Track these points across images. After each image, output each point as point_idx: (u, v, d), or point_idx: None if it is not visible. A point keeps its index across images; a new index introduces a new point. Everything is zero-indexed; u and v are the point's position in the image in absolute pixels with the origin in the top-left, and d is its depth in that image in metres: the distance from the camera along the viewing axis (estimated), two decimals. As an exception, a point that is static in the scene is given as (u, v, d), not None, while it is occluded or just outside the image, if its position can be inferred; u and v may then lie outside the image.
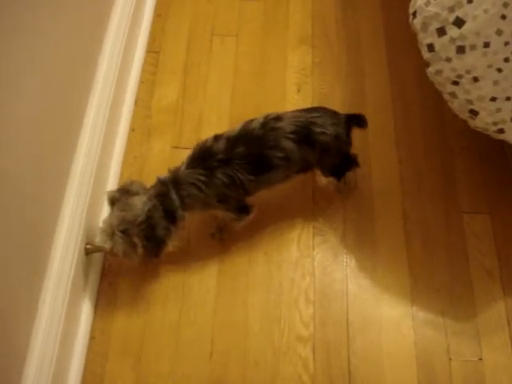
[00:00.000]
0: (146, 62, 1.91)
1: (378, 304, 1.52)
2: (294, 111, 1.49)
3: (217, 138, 1.44)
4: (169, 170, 1.44)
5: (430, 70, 1.40)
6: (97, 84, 1.60)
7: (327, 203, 1.65)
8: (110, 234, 1.38)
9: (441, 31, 1.34)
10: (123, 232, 1.36)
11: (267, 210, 1.63)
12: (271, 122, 1.43)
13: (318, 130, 1.44)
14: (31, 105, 1.22)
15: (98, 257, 1.54)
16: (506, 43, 1.30)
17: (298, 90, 1.85)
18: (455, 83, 1.39)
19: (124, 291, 1.53)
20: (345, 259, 1.58)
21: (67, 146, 1.45)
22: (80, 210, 1.45)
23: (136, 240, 1.37)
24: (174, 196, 1.40)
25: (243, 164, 1.40)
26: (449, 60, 1.36)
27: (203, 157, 1.42)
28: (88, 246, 1.47)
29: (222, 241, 1.59)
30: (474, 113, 1.42)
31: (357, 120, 1.51)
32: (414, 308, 1.51)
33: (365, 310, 1.51)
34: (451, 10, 1.31)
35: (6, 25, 1.09)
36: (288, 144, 1.42)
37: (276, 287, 1.54)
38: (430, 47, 1.37)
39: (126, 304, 1.51)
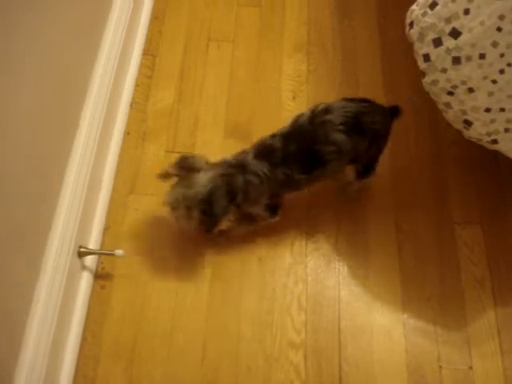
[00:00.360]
0: (142, 65, 1.91)
1: (369, 311, 1.53)
2: (341, 101, 1.49)
3: (273, 136, 1.47)
4: (234, 154, 1.47)
5: (426, 80, 1.42)
6: (93, 86, 1.60)
7: (321, 211, 1.65)
8: (175, 208, 1.44)
9: (437, 42, 1.35)
10: (187, 207, 1.41)
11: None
12: (320, 115, 1.44)
13: (368, 119, 1.46)
14: (26, 107, 1.22)
15: (91, 260, 1.53)
16: (502, 55, 1.31)
17: (294, 98, 1.86)
18: (450, 93, 1.40)
19: (117, 294, 1.53)
20: (337, 266, 1.58)
21: (62, 147, 1.45)
22: (74, 212, 1.44)
23: (195, 213, 1.40)
24: (240, 179, 1.42)
25: (296, 163, 1.43)
26: (444, 70, 1.37)
27: (267, 152, 1.44)
28: (81, 249, 1.47)
29: (215, 244, 1.60)
30: (468, 123, 1.44)
31: (395, 111, 1.54)
32: (406, 316, 1.52)
33: (356, 317, 1.52)
34: (448, 21, 1.33)
35: (2, 27, 1.09)
36: (339, 136, 1.42)
37: (269, 293, 1.54)
38: (426, 57, 1.38)
39: (119, 307, 1.51)
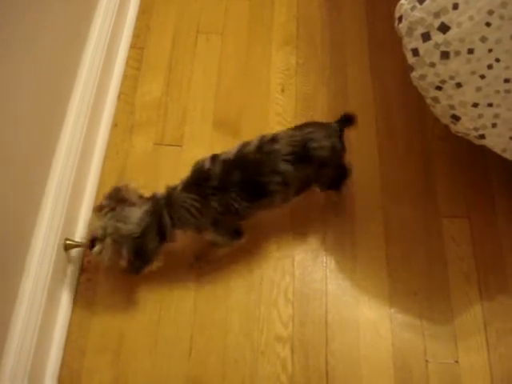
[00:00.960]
0: (130, 58, 1.90)
1: (356, 305, 1.53)
2: (288, 130, 1.47)
3: (214, 159, 1.42)
4: (166, 188, 1.42)
5: (414, 74, 1.41)
6: (79, 78, 1.59)
7: (308, 204, 1.65)
8: (101, 239, 1.37)
9: (426, 36, 1.35)
10: (116, 241, 1.35)
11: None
12: (267, 145, 1.41)
13: (314, 145, 1.42)
14: (12, 99, 1.21)
15: (77, 252, 1.52)
16: (490, 50, 1.31)
17: (282, 91, 1.85)
18: (438, 88, 1.40)
19: (103, 287, 1.52)
20: (324, 260, 1.59)
21: (49, 138, 1.44)
22: (60, 204, 1.44)
23: (124, 252, 1.36)
24: (166, 216, 1.39)
25: (238, 191, 1.38)
26: (433, 65, 1.37)
27: (199, 181, 1.40)
28: (67, 242, 1.46)
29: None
30: (455, 118, 1.44)
31: (346, 121, 1.50)
32: (393, 310, 1.52)
33: (343, 311, 1.52)
34: (436, 15, 1.33)
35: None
36: (285, 167, 1.39)
37: (256, 287, 1.54)
38: (415, 52, 1.38)
39: (105, 300, 1.50)
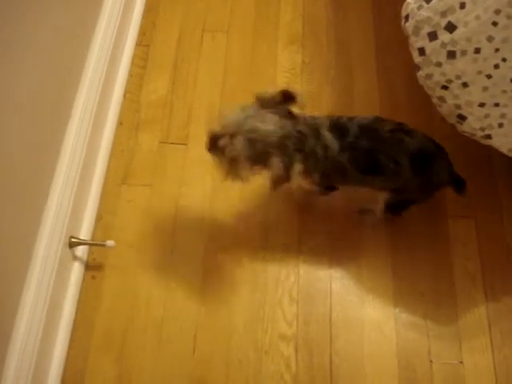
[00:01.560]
0: (135, 56, 1.90)
1: (361, 305, 1.53)
2: (424, 135, 1.45)
3: (350, 119, 1.42)
4: (313, 117, 1.41)
5: (421, 73, 1.41)
6: (85, 76, 1.59)
7: (314, 204, 1.65)
8: (231, 132, 1.32)
9: (432, 35, 1.35)
10: (250, 142, 1.31)
11: (253, 206, 1.63)
12: (401, 133, 1.41)
13: (436, 168, 1.43)
14: (18, 97, 1.21)
15: (82, 250, 1.53)
16: (497, 50, 1.31)
17: (288, 89, 1.85)
18: (445, 88, 1.40)
19: (107, 285, 1.52)
20: (329, 259, 1.58)
21: (55, 137, 1.44)
22: (65, 202, 1.44)
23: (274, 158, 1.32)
24: (312, 142, 1.36)
25: (359, 158, 1.39)
26: (439, 64, 1.37)
27: (340, 131, 1.39)
28: (73, 240, 1.46)
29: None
30: (461, 118, 1.43)
31: (461, 184, 1.50)
32: (397, 310, 1.52)
33: (348, 310, 1.52)
34: (443, 14, 1.32)
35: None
36: (405, 162, 1.39)
37: (260, 286, 1.54)
38: (421, 51, 1.38)
39: (110, 298, 1.51)
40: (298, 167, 1.34)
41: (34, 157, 1.32)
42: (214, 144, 1.35)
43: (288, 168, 1.33)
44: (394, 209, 1.56)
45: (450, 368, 1.46)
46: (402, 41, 1.45)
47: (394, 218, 1.59)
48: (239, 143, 1.31)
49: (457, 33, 1.32)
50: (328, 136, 1.38)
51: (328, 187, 1.57)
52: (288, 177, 1.34)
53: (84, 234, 1.55)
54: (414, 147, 1.40)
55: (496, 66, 1.33)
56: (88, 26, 1.64)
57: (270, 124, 1.32)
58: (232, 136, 1.32)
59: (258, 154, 1.32)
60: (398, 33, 1.46)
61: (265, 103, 1.36)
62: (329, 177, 1.45)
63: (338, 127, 1.40)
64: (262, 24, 2.00)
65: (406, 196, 1.51)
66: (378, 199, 1.53)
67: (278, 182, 1.35)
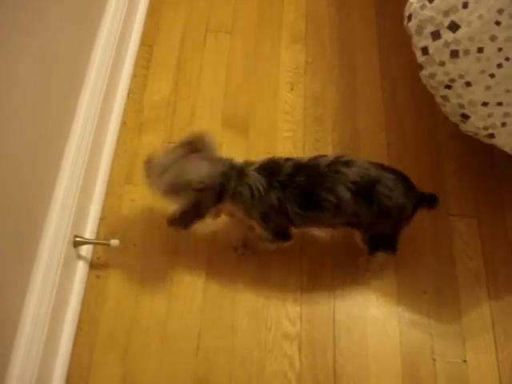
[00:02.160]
0: (139, 56, 1.90)
1: (364, 304, 1.53)
2: (368, 162, 1.42)
3: (288, 160, 1.41)
4: (245, 161, 1.42)
5: (424, 73, 1.41)
6: (89, 76, 1.59)
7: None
8: (160, 174, 1.36)
9: (435, 35, 1.35)
10: (174, 186, 1.35)
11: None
12: (339, 165, 1.38)
13: (383, 190, 1.38)
14: (23, 97, 1.22)
15: (86, 249, 1.53)
16: (500, 49, 1.31)
17: (291, 89, 1.86)
18: (448, 87, 1.40)
19: (112, 284, 1.53)
20: (333, 258, 1.58)
21: (59, 136, 1.44)
22: (70, 201, 1.44)
23: (182, 198, 1.36)
24: (231, 183, 1.37)
25: (296, 195, 1.37)
26: (442, 64, 1.37)
27: (271, 171, 1.39)
28: (77, 239, 1.47)
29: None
30: (465, 117, 1.44)
31: (429, 200, 1.46)
32: (400, 309, 1.52)
33: (351, 309, 1.52)
34: (446, 14, 1.33)
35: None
36: (344, 193, 1.36)
37: (264, 285, 1.54)
38: (425, 50, 1.38)
39: (114, 297, 1.51)
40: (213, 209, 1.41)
41: (38, 156, 1.32)
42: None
43: (200, 205, 1.37)
44: (378, 246, 1.49)
45: (453, 367, 1.46)
46: (405, 40, 1.46)
47: (393, 256, 1.52)
48: (166, 185, 1.37)
49: (460, 32, 1.32)
50: (253, 176, 1.38)
51: (280, 234, 1.47)
52: (199, 213, 1.39)
53: (88, 233, 1.55)
54: (352, 178, 1.36)
55: (499, 66, 1.34)
56: (91, 27, 1.64)
57: (194, 169, 1.36)
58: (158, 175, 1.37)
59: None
60: (401, 32, 1.46)
61: (191, 147, 1.39)
62: (270, 218, 1.41)
63: (269, 167, 1.40)
64: (265, 24, 2.01)
65: (375, 229, 1.44)
66: (358, 243, 1.50)
67: (185, 217, 1.39)
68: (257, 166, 1.40)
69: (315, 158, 1.41)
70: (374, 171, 1.39)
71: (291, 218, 1.40)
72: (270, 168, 1.40)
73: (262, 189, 1.37)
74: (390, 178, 1.39)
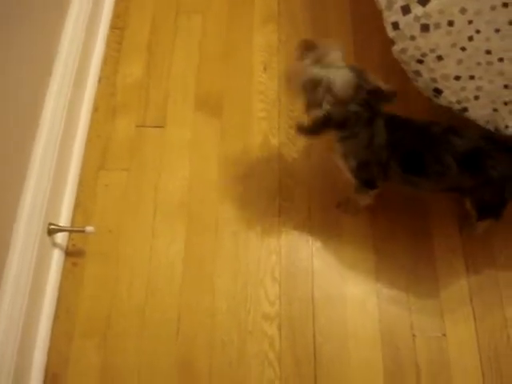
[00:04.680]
0: (110, 40, 1.88)
1: (343, 282, 1.53)
2: (478, 133, 1.41)
3: (407, 121, 1.41)
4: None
5: (395, 48, 1.41)
6: (59, 61, 1.57)
7: (293, 182, 1.65)
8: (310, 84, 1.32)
9: (405, 9, 1.34)
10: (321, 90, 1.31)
11: (232, 189, 1.63)
12: (450, 135, 1.38)
13: (490, 163, 1.37)
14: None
15: (61, 237, 1.52)
16: (470, 22, 1.31)
17: (265, 69, 1.84)
18: (420, 62, 1.40)
19: (89, 271, 1.52)
20: (310, 237, 1.58)
21: (29, 122, 1.42)
22: (42, 189, 1.43)
23: (325, 98, 1.31)
24: (360, 123, 1.35)
25: (402, 156, 1.39)
26: (413, 38, 1.36)
27: (394, 125, 1.38)
28: (51, 227, 1.45)
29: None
30: (438, 91, 1.43)
31: None
32: (379, 285, 1.52)
33: (330, 287, 1.52)
34: (416, -13, 1.32)
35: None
36: (451, 163, 1.36)
37: (242, 266, 1.54)
38: (395, 25, 1.37)
39: (91, 284, 1.50)
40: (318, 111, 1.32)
41: (9, 145, 1.30)
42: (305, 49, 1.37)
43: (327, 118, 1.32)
44: (487, 212, 1.50)
45: (433, 341, 1.47)
46: (379, 16, 1.44)
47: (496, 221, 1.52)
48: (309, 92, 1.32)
49: (430, 6, 1.31)
50: (379, 128, 1.37)
51: (367, 182, 1.49)
52: (327, 124, 1.33)
53: (63, 220, 1.54)
54: (462, 147, 1.37)
55: (470, 38, 1.33)
56: (60, 11, 1.62)
57: (346, 85, 1.31)
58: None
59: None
60: (374, 8, 1.45)
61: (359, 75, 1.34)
62: (367, 167, 1.42)
63: (394, 122, 1.39)
64: (238, 3, 1.98)
65: (484, 196, 1.45)
66: (468, 209, 1.51)
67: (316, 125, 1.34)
68: (385, 118, 1.38)
69: (429, 123, 1.41)
70: (483, 143, 1.39)
71: (388, 176, 1.42)
72: (393, 125, 1.39)
73: (379, 142, 1.37)
74: (498, 149, 1.38)
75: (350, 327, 1.47)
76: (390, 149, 1.39)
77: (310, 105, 1.34)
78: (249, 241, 1.57)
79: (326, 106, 1.31)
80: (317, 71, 1.32)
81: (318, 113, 1.32)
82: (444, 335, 1.47)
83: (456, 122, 1.45)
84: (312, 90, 1.32)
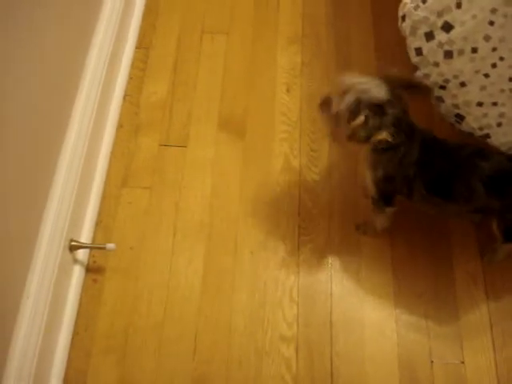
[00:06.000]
0: (135, 58, 1.90)
1: (361, 306, 1.52)
2: (504, 156, 1.43)
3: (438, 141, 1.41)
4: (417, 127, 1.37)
5: (418, 73, 1.41)
6: (85, 80, 1.59)
7: (313, 204, 1.65)
8: (344, 90, 1.32)
9: (429, 35, 1.35)
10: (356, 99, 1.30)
11: (252, 209, 1.64)
12: (476, 158, 1.37)
13: None
14: (18, 100, 1.22)
15: (82, 253, 1.53)
16: (494, 49, 1.31)
17: (288, 90, 1.85)
18: (442, 87, 1.40)
19: (108, 288, 1.53)
20: (329, 260, 1.58)
21: (54, 140, 1.44)
22: (65, 205, 1.44)
23: (362, 113, 1.29)
24: (401, 138, 1.33)
25: (428, 177, 1.38)
26: (436, 64, 1.37)
27: (425, 146, 1.38)
28: (73, 243, 1.47)
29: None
30: (460, 117, 1.43)
31: None
32: (398, 311, 1.52)
33: (348, 311, 1.52)
34: (440, 14, 1.32)
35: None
36: (478, 186, 1.36)
37: (261, 286, 1.54)
38: (418, 51, 1.38)
39: (111, 300, 1.51)
40: (384, 134, 1.30)
41: (33, 161, 1.32)
42: (325, 102, 1.36)
43: (372, 129, 1.30)
44: (507, 234, 1.48)
45: (451, 368, 1.46)
46: (402, 40, 1.45)
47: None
48: (348, 99, 1.30)
49: (453, 32, 1.32)
50: (417, 142, 1.36)
51: (386, 196, 1.48)
52: (367, 137, 1.32)
53: (84, 237, 1.55)
54: (489, 171, 1.36)
55: (493, 65, 1.33)
56: (87, 30, 1.64)
57: (382, 94, 1.30)
58: (343, 93, 1.31)
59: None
60: (397, 32, 1.45)
61: (389, 80, 1.33)
62: (392, 181, 1.41)
63: (428, 141, 1.38)
64: (262, 24, 2.00)
65: (510, 214, 1.44)
66: (493, 231, 1.49)
67: (353, 135, 1.32)
68: (421, 135, 1.37)
69: (460, 146, 1.40)
70: (509, 165, 1.39)
71: (412, 194, 1.42)
72: (426, 144, 1.38)
73: (409, 160, 1.36)
74: None
75: (368, 351, 1.47)
76: (419, 168, 1.38)
77: (370, 130, 1.31)
78: (268, 261, 1.58)
79: (390, 129, 1.30)
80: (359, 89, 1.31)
81: (380, 136, 1.30)
82: (462, 363, 1.46)
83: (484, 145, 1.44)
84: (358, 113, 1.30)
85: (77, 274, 1.51)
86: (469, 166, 1.37)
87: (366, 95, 1.30)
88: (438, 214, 1.56)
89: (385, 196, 1.47)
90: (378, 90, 1.30)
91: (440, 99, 1.42)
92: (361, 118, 1.28)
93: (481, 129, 1.42)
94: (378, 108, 1.29)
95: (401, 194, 1.46)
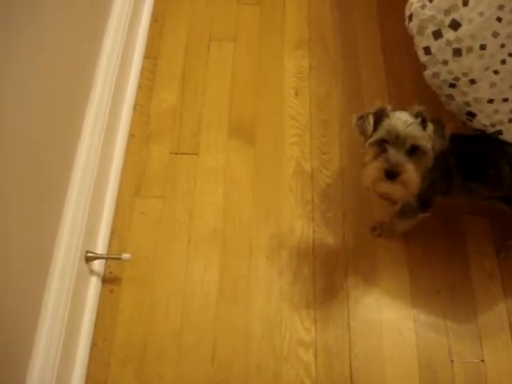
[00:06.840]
0: (143, 68, 1.91)
1: (378, 307, 1.52)
2: None
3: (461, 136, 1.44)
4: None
5: (427, 72, 1.41)
6: (95, 90, 1.60)
7: (327, 207, 1.65)
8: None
9: (437, 34, 1.35)
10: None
11: (265, 214, 1.64)
12: (504, 142, 1.44)
13: None
14: (30, 111, 1.22)
15: (98, 264, 1.54)
16: (502, 45, 1.30)
17: (296, 94, 1.85)
18: (452, 86, 1.40)
19: (125, 298, 1.53)
20: (345, 262, 1.58)
21: (67, 151, 1.45)
22: (80, 217, 1.44)
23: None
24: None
25: (462, 165, 1.41)
26: (445, 63, 1.36)
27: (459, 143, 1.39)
28: (89, 254, 1.47)
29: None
30: (471, 115, 1.43)
31: None
32: (415, 311, 1.51)
33: (366, 313, 1.52)
34: (447, 12, 1.32)
35: (7, 29, 1.09)
36: (505, 167, 1.41)
37: (277, 291, 1.54)
38: (427, 50, 1.38)
39: (128, 310, 1.51)
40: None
41: (47, 172, 1.33)
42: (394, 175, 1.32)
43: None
44: None
45: (471, 367, 1.45)
46: (409, 41, 1.45)
47: None
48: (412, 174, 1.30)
49: (461, 30, 1.31)
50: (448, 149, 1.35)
51: (425, 203, 1.46)
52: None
53: (100, 247, 1.56)
54: None
55: (503, 62, 1.33)
56: (95, 41, 1.65)
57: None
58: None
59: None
60: (404, 32, 1.45)
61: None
62: (434, 186, 1.42)
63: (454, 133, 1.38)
64: (268, 30, 2.00)
65: None
66: None
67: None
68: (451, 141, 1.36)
69: (481, 134, 1.47)
70: None
71: (451, 187, 1.44)
72: (454, 134, 1.37)
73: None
74: None
75: (387, 353, 1.46)
76: (456, 157, 1.40)
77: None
78: (283, 265, 1.57)
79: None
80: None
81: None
82: (482, 361, 1.46)
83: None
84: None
85: (93, 284, 1.51)
86: (496, 149, 1.42)
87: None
88: (471, 202, 1.56)
89: (425, 202, 1.46)
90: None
91: (450, 97, 1.41)
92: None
93: (493, 125, 1.41)
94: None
95: (440, 193, 1.46)
